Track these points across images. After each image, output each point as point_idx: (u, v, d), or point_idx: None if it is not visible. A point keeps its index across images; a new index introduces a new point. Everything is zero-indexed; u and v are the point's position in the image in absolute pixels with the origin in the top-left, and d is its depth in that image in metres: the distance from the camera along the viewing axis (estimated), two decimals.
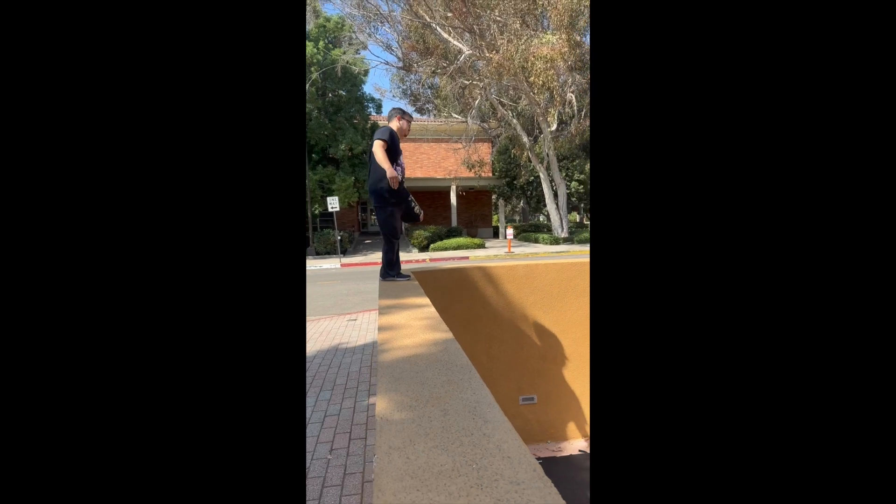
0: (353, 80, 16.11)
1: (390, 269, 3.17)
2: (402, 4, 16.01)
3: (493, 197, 23.46)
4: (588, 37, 15.48)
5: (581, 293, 4.19)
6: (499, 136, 19.09)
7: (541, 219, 25.56)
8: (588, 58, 14.68)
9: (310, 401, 3.31)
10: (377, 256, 14.29)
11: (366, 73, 16.69)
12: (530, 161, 17.46)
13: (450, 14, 14.23)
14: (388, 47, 19.62)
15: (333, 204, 13.39)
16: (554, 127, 16.81)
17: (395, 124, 3.10)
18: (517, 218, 27.66)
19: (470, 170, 20.06)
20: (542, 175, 16.97)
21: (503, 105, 16.95)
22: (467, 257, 13.78)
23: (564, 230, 16.96)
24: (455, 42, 14.64)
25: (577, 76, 14.84)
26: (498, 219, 24.62)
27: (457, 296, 3.90)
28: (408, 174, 18.80)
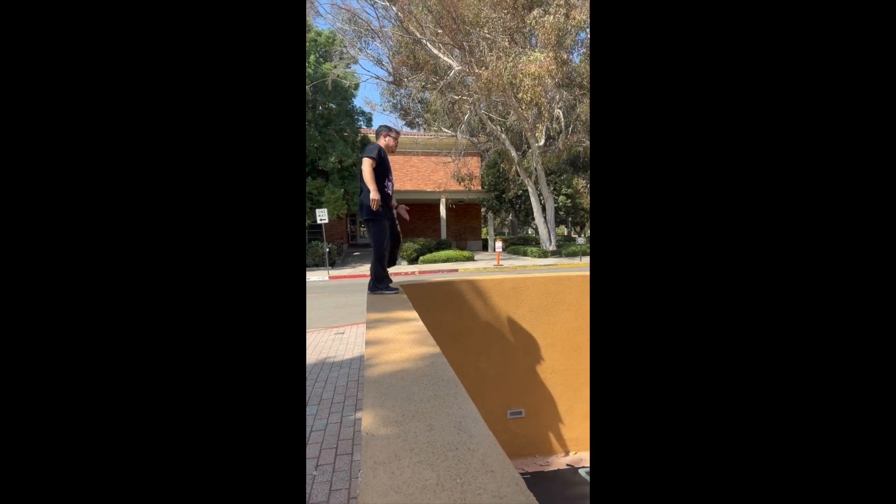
0: (343, 93, 16.21)
1: (378, 283, 3.17)
2: (392, 20, 16.23)
3: (483, 210, 23.61)
4: (576, 55, 15.86)
5: (569, 307, 4.22)
6: (488, 151, 19.28)
7: (529, 232, 25.79)
8: (575, 75, 15.01)
9: None
10: (366, 269, 14.22)
11: (356, 86, 16.80)
12: (519, 175, 17.66)
13: (440, 31, 14.47)
14: (379, 62, 19.83)
15: (322, 216, 13.35)
16: (542, 142, 17.08)
17: (382, 142, 3.20)
18: (506, 231, 27.87)
19: (459, 183, 20.19)
20: (530, 189, 17.17)
21: (492, 120, 17.18)
22: (456, 270, 13.79)
23: (552, 243, 17.16)
24: (445, 58, 14.86)
25: (565, 93, 15.13)
26: (487, 232, 24.76)
27: (445, 309, 3.90)
28: (398, 187, 18.86)
